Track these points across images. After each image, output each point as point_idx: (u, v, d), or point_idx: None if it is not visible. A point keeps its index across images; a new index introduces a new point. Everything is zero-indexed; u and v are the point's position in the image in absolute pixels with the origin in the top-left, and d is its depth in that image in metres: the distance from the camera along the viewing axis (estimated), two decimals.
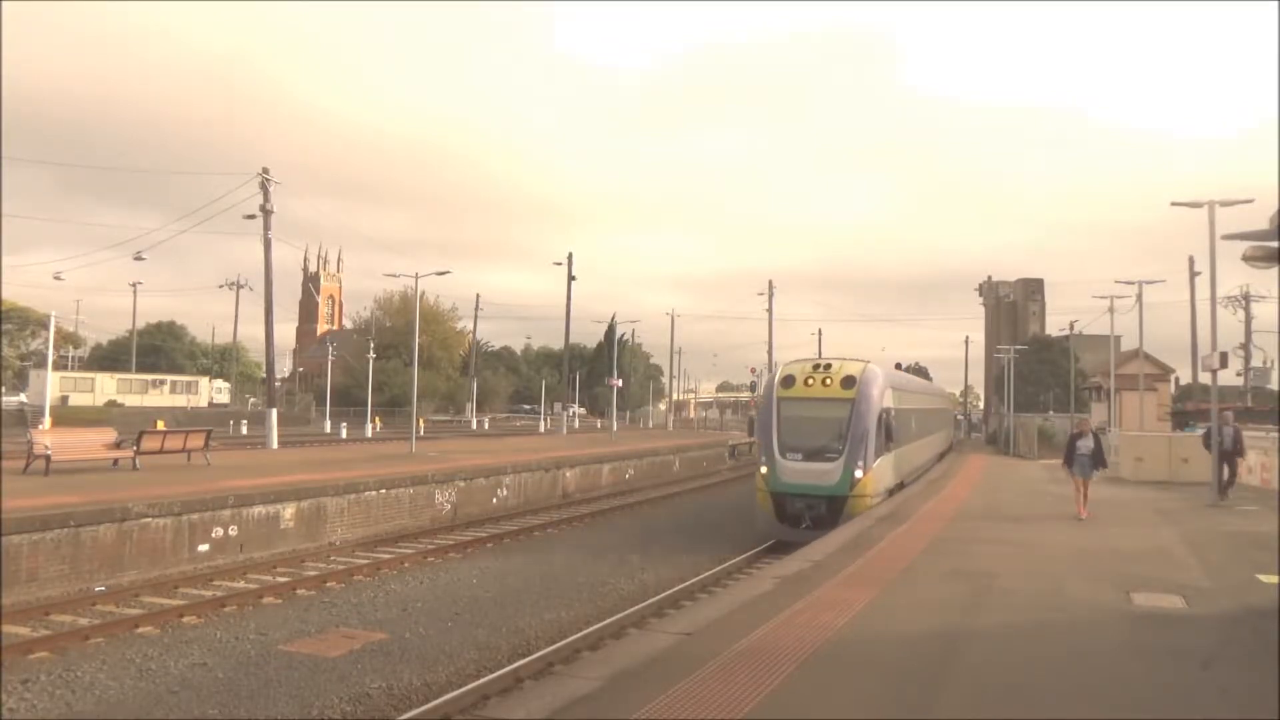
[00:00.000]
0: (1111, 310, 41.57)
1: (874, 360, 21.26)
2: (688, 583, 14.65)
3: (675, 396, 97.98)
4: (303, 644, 11.02)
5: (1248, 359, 41.43)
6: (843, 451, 18.03)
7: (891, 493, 20.15)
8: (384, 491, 20.02)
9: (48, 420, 35.85)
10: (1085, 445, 16.97)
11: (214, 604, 12.86)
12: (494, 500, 23.96)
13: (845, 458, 17.97)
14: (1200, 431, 23.88)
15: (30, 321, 75.83)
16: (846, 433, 18.13)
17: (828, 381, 18.99)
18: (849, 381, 18.82)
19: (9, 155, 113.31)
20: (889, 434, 19.25)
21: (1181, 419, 42.86)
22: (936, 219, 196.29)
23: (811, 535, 15.29)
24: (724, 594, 9.33)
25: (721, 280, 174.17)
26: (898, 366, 47.83)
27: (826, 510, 17.59)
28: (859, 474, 17.89)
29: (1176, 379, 63.02)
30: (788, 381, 19.40)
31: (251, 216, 31.89)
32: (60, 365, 68.22)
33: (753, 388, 66.54)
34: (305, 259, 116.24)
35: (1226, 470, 20.31)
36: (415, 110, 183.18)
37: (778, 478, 18.35)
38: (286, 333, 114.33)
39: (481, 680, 9.48)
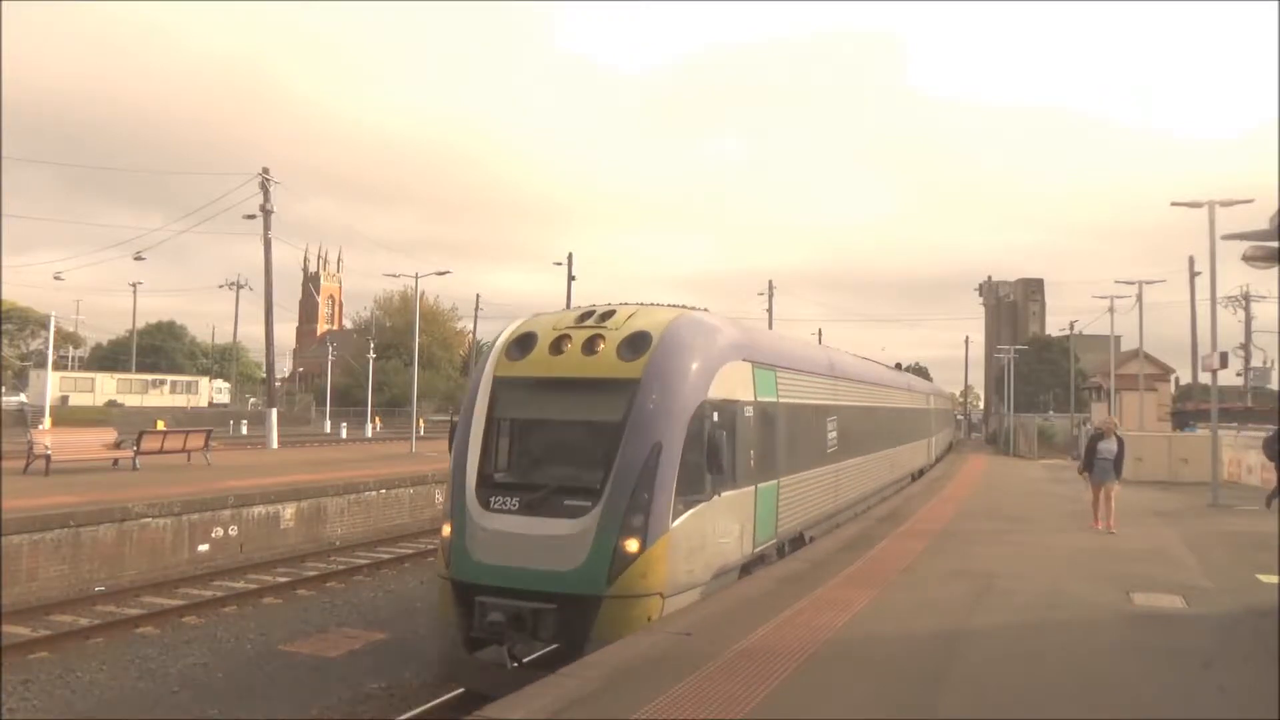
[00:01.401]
0: (1111, 310, 41.72)
1: (714, 310, 10.81)
2: None
3: None
4: (303, 644, 11.03)
5: (1248, 359, 41.47)
6: (600, 494, 8.45)
7: (746, 570, 10.31)
8: (384, 492, 20.03)
9: (48, 420, 35.95)
10: (1107, 449, 14.83)
11: (214, 604, 12.86)
12: None
13: (603, 507, 8.37)
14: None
15: (30, 321, 75.94)
16: (614, 454, 8.54)
17: (596, 346, 9.13)
18: (636, 345, 9.07)
19: (9, 155, 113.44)
20: (715, 455, 9.02)
21: (1182, 419, 42.91)
22: (937, 219, 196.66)
23: (530, 675, 7.11)
24: (724, 594, 9.30)
25: (722, 280, 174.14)
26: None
27: (556, 624, 8.21)
28: (632, 545, 8.27)
29: (1176, 379, 63.12)
30: (521, 345, 9.58)
31: (252, 216, 32.01)
32: (60, 365, 68.27)
33: None
34: (305, 259, 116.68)
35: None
36: (415, 110, 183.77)
37: (466, 552, 8.64)
38: (286, 333, 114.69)
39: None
